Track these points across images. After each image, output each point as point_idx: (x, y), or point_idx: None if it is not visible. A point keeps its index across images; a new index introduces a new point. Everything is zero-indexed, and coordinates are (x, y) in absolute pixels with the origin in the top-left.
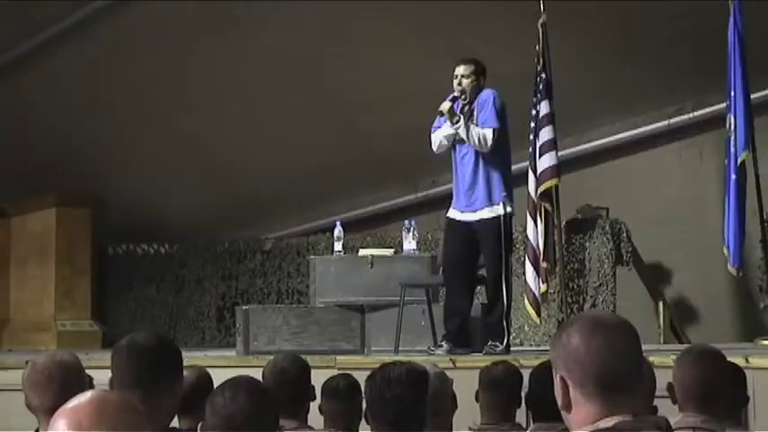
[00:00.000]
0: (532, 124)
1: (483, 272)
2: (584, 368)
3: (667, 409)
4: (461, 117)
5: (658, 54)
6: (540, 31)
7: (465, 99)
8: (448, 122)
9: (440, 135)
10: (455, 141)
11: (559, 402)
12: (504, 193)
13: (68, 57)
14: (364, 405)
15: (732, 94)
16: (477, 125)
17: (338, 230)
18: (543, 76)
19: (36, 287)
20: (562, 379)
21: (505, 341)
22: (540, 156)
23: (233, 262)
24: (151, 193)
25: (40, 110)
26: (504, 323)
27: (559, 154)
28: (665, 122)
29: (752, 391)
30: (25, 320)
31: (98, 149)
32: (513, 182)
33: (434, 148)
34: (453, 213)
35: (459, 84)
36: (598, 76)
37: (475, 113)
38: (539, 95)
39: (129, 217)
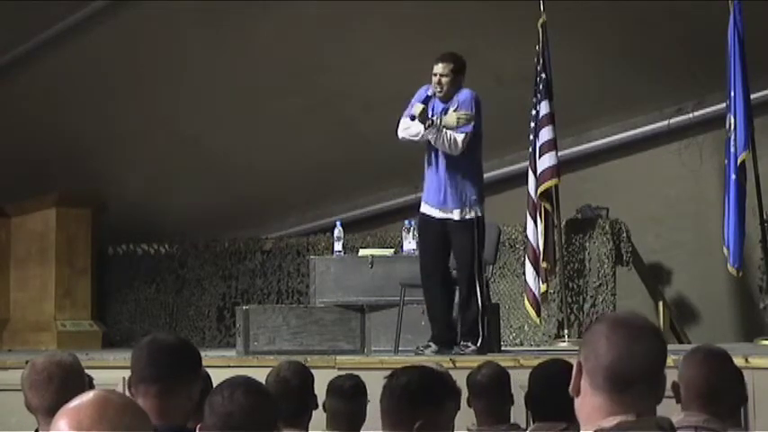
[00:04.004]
0: (532, 124)
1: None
2: (598, 360)
3: (666, 409)
4: (434, 121)
5: (658, 54)
6: (540, 31)
7: (440, 93)
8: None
9: (410, 131)
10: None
11: (570, 385)
12: (475, 196)
13: (68, 57)
14: (373, 407)
15: (732, 94)
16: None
17: (338, 230)
18: (543, 76)
19: (36, 287)
20: (579, 364)
21: (479, 342)
22: (540, 156)
23: (233, 262)
24: (151, 193)
25: (40, 110)
26: (480, 324)
27: (559, 154)
28: (665, 122)
29: (752, 391)
30: (25, 320)
31: (98, 149)
32: (484, 184)
33: (400, 133)
34: (426, 209)
35: (439, 83)
36: (598, 76)
37: (450, 112)
38: (539, 95)
39: (129, 217)
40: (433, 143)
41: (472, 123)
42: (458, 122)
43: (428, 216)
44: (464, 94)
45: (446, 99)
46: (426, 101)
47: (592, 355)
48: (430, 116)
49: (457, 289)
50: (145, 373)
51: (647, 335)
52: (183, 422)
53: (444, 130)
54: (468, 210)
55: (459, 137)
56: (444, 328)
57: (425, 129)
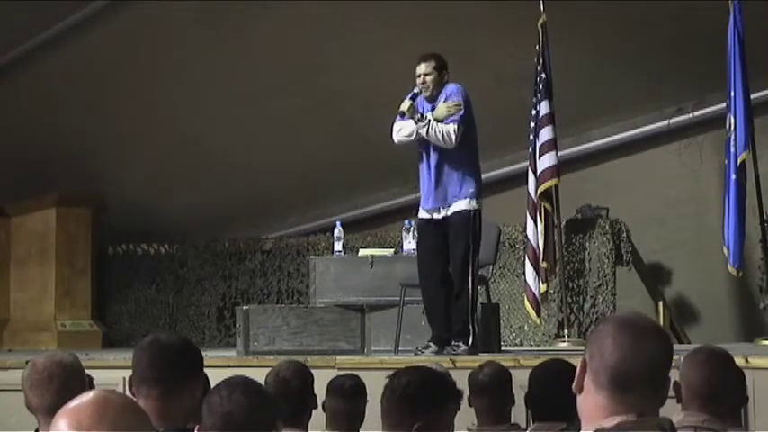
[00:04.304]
0: (532, 124)
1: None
2: (603, 359)
3: (668, 409)
4: (423, 115)
5: (658, 54)
6: (540, 31)
7: (426, 92)
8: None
9: (403, 132)
10: (419, 138)
11: (574, 383)
12: (473, 189)
13: (68, 57)
14: (373, 407)
15: (732, 94)
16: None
17: (338, 230)
18: (543, 76)
19: (36, 287)
20: (583, 361)
21: (471, 341)
22: (540, 156)
23: (233, 262)
24: (151, 193)
25: (40, 110)
26: (470, 322)
27: (559, 154)
28: (665, 122)
29: (752, 391)
30: (25, 320)
31: (98, 149)
32: (482, 180)
33: (395, 138)
34: (423, 214)
35: (424, 82)
36: (598, 75)
37: (439, 106)
38: (539, 95)
39: (129, 217)
40: (426, 138)
41: (462, 112)
42: (448, 112)
43: (425, 220)
44: (450, 87)
45: (433, 98)
46: (413, 98)
47: (597, 353)
48: (419, 111)
49: None
50: (146, 375)
51: (654, 337)
52: (183, 423)
53: (436, 123)
54: (464, 203)
55: (451, 127)
56: (444, 329)
57: (416, 123)
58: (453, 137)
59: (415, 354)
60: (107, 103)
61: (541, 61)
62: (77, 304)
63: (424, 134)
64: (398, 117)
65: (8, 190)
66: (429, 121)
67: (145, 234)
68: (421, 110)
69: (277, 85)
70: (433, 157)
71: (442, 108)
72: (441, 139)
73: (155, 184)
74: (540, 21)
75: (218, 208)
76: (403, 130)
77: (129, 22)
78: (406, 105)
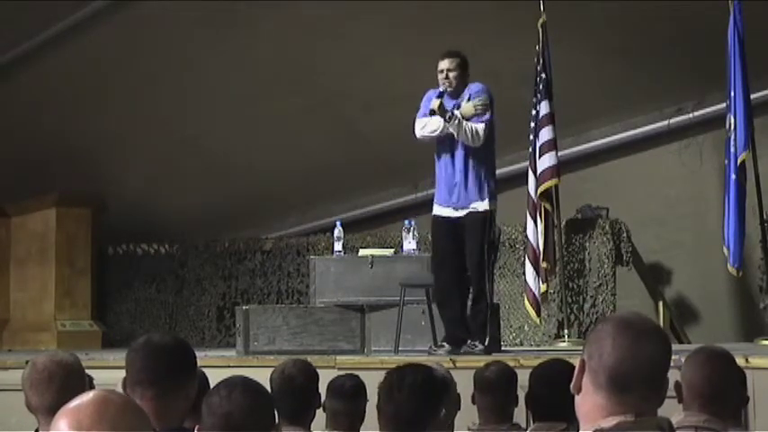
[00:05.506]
0: (532, 124)
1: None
2: (602, 359)
3: (669, 409)
4: (453, 113)
5: (658, 54)
6: (540, 31)
7: (450, 88)
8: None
9: (428, 128)
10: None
11: (572, 383)
12: (491, 190)
13: (68, 57)
14: (373, 407)
15: (732, 94)
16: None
17: (338, 230)
18: (543, 76)
19: (36, 287)
20: (582, 361)
21: (487, 341)
22: (540, 156)
23: (233, 262)
24: (151, 193)
25: (40, 110)
26: (488, 323)
27: (559, 154)
28: (665, 122)
29: (752, 391)
30: (25, 320)
31: (98, 149)
32: (496, 177)
33: (418, 133)
34: (440, 210)
35: (447, 78)
36: (598, 75)
37: (464, 104)
38: (539, 95)
39: (129, 217)
40: (455, 136)
41: (489, 111)
42: (475, 110)
43: (441, 217)
44: (475, 86)
45: (456, 95)
46: (440, 96)
47: (596, 354)
48: (447, 109)
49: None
50: (141, 377)
51: (653, 338)
52: (180, 423)
53: (464, 121)
54: (482, 204)
55: (480, 126)
56: (459, 328)
57: (446, 122)
58: (482, 135)
59: (429, 353)
60: (107, 103)
61: (541, 61)
62: (77, 304)
63: (454, 132)
64: (421, 113)
65: (8, 190)
66: (459, 120)
67: (145, 234)
68: (447, 107)
69: (277, 85)
70: (459, 156)
71: (468, 106)
72: (470, 137)
73: (155, 184)
74: (540, 21)
75: (218, 208)
76: (428, 126)
77: (129, 22)
78: (436, 104)
